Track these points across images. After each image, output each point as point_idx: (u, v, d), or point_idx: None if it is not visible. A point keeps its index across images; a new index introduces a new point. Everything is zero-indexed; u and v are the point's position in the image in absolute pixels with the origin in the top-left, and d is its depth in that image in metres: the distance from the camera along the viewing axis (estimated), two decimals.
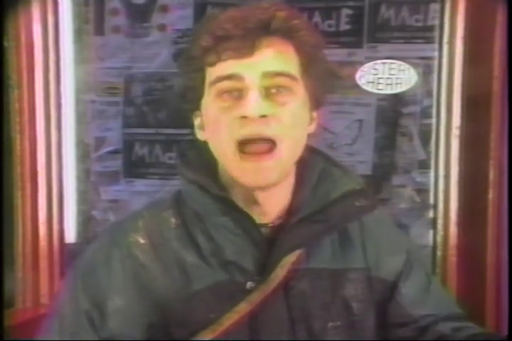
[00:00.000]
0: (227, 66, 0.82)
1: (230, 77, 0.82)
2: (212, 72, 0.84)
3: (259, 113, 0.80)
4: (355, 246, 0.93)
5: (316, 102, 0.89)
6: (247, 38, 0.81)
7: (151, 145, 1.85)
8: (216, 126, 0.84)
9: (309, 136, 0.89)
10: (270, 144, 0.81)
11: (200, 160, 0.89)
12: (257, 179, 0.82)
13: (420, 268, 0.96)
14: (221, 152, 0.84)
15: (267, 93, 0.82)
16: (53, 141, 1.81)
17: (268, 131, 0.81)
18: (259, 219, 0.87)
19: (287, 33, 0.84)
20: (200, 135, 0.90)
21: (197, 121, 0.90)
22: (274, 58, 0.82)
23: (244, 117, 0.80)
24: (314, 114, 0.90)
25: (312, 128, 0.90)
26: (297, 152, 0.86)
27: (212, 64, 0.83)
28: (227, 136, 0.82)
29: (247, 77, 0.81)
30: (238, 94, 0.82)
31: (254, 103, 0.80)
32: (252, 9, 0.83)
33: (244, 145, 0.81)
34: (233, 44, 0.81)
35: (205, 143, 0.89)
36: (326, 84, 0.89)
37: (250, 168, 0.81)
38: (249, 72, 0.81)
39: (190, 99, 0.88)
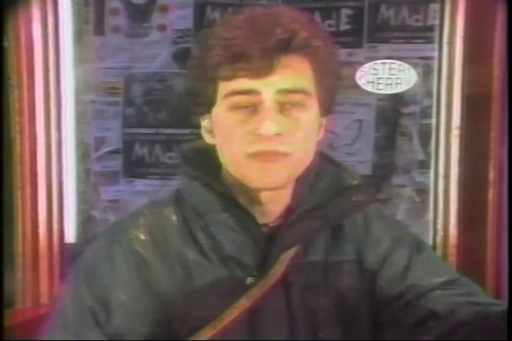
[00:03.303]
0: (243, 81, 0.81)
1: (246, 92, 0.81)
2: (226, 85, 0.83)
3: (274, 131, 0.80)
4: (346, 238, 0.93)
5: (326, 110, 0.89)
6: (266, 59, 0.79)
7: (151, 145, 1.85)
8: (228, 137, 0.83)
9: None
10: (282, 156, 0.82)
11: (202, 159, 0.89)
12: (264, 179, 0.82)
13: (403, 250, 0.94)
14: (230, 158, 0.85)
15: (282, 108, 0.81)
16: (53, 140, 1.80)
17: (282, 147, 0.81)
18: (261, 218, 0.87)
19: (305, 51, 0.83)
20: (208, 138, 0.89)
21: (204, 123, 0.90)
22: (291, 77, 0.82)
23: (258, 134, 0.80)
24: (323, 120, 0.90)
25: (321, 134, 0.90)
26: (307, 161, 0.87)
27: (227, 79, 0.82)
28: (240, 149, 0.82)
29: (263, 91, 0.81)
30: (252, 108, 0.82)
31: (269, 121, 0.80)
32: (270, 24, 0.81)
33: (256, 155, 0.81)
34: (251, 64, 0.79)
35: (207, 145, 0.89)
36: (336, 92, 0.90)
37: (259, 168, 0.81)
38: (265, 88, 0.81)
39: (200, 103, 0.88)
